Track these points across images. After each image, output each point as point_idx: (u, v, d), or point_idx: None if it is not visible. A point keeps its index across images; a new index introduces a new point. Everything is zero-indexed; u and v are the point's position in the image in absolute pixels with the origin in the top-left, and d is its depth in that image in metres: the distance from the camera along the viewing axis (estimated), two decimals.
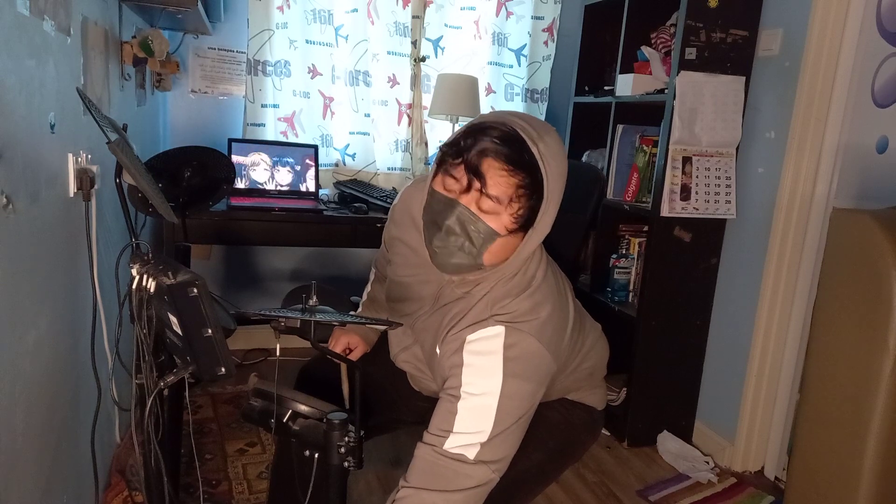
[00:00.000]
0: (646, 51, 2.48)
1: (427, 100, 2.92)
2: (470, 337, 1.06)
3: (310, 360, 1.42)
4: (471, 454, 1.00)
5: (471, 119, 1.11)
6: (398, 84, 2.91)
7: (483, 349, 1.05)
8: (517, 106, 3.11)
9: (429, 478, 1.01)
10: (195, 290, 0.88)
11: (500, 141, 0.98)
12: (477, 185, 0.99)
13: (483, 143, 0.99)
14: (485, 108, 2.98)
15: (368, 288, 1.53)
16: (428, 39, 2.92)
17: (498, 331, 1.05)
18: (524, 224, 1.02)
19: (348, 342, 1.40)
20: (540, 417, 1.25)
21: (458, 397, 1.03)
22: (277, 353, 1.09)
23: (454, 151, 1.01)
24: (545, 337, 1.06)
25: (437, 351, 1.15)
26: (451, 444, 1.01)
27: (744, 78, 2.21)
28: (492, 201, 0.99)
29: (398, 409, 1.41)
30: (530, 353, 1.05)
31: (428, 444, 1.03)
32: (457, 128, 2.89)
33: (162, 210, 1.28)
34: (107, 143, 1.09)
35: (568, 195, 1.28)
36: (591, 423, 1.35)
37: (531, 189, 0.99)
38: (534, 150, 0.99)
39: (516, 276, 1.11)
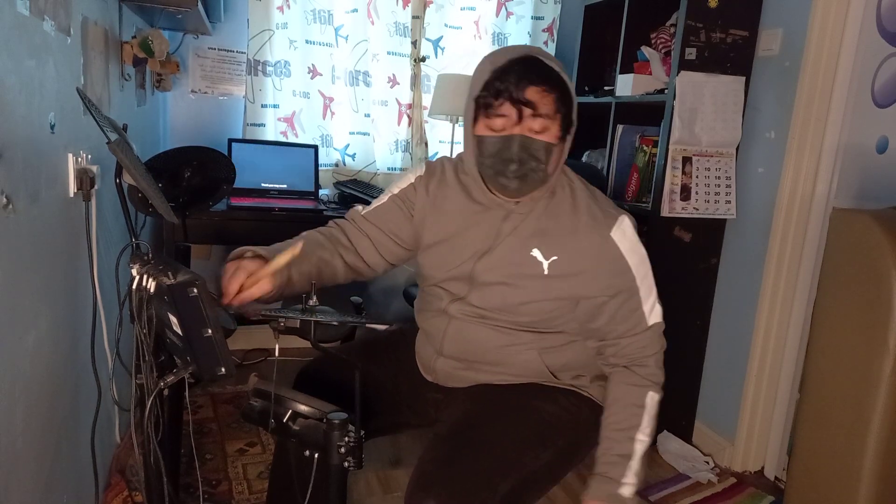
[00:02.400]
0: (646, 51, 2.48)
1: (427, 100, 2.92)
2: (613, 234, 1.23)
3: (309, 361, 1.42)
4: (659, 316, 1.28)
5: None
6: (398, 84, 2.91)
7: (627, 237, 1.24)
8: None
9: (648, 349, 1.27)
10: (195, 290, 0.88)
11: (527, 69, 1.13)
12: (528, 112, 1.13)
13: (515, 76, 1.12)
14: None
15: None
16: (428, 39, 2.92)
17: (624, 219, 1.25)
18: (568, 127, 1.18)
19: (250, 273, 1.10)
20: (548, 416, 1.26)
21: (635, 290, 1.25)
22: (276, 354, 1.09)
23: (493, 94, 1.14)
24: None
25: (543, 258, 1.24)
26: (651, 323, 1.26)
27: (744, 78, 2.21)
28: (543, 119, 1.14)
29: (400, 410, 1.41)
30: (635, 222, 1.28)
31: (632, 345, 1.26)
32: (457, 128, 2.89)
33: (162, 210, 1.28)
34: (107, 143, 1.09)
35: None
36: (595, 420, 1.34)
37: (565, 95, 1.16)
38: (551, 64, 1.16)
39: (568, 180, 1.30)
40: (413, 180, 1.36)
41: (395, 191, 1.36)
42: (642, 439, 1.22)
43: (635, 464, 1.20)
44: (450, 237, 1.30)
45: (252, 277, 1.09)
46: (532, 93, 1.12)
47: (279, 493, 1.39)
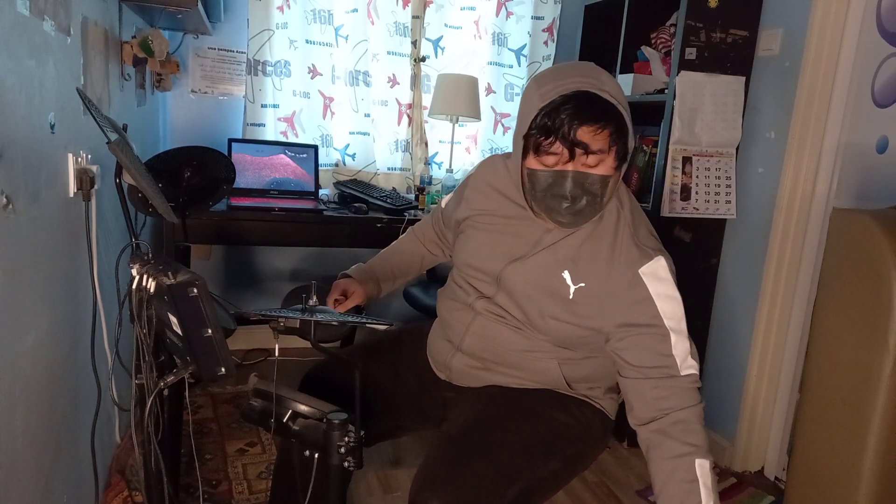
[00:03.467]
0: (646, 51, 2.48)
1: (427, 100, 2.92)
2: (643, 272, 1.16)
3: (314, 365, 1.41)
4: (694, 369, 1.16)
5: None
6: (398, 84, 2.91)
7: (660, 279, 1.17)
8: (517, 106, 3.11)
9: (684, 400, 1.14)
10: (195, 290, 0.89)
11: (578, 108, 1.07)
12: (580, 151, 1.08)
13: (567, 116, 1.07)
14: (485, 108, 2.98)
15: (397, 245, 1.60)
16: (428, 39, 2.92)
17: (659, 260, 1.17)
18: (624, 155, 1.13)
19: (345, 289, 1.40)
20: (559, 424, 1.26)
21: (665, 334, 1.15)
22: (276, 354, 1.09)
23: (543, 133, 1.09)
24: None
25: (571, 282, 1.21)
26: (684, 373, 1.15)
27: (744, 78, 2.21)
28: (597, 155, 1.09)
29: (402, 412, 1.40)
30: (673, 266, 1.20)
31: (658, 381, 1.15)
32: (457, 128, 2.89)
33: (162, 210, 1.28)
34: (107, 143, 1.09)
35: None
36: (604, 432, 1.35)
37: (620, 127, 1.10)
38: (605, 96, 1.09)
39: (619, 204, 1.24)
40: (469, 174, 1.42)
41: (456, 215, 1.40)
42: None
43: None
44: (489, 230, 1.30)
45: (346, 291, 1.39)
46: (584, 133, 1.07)
47: (281, 494, 1.39)
